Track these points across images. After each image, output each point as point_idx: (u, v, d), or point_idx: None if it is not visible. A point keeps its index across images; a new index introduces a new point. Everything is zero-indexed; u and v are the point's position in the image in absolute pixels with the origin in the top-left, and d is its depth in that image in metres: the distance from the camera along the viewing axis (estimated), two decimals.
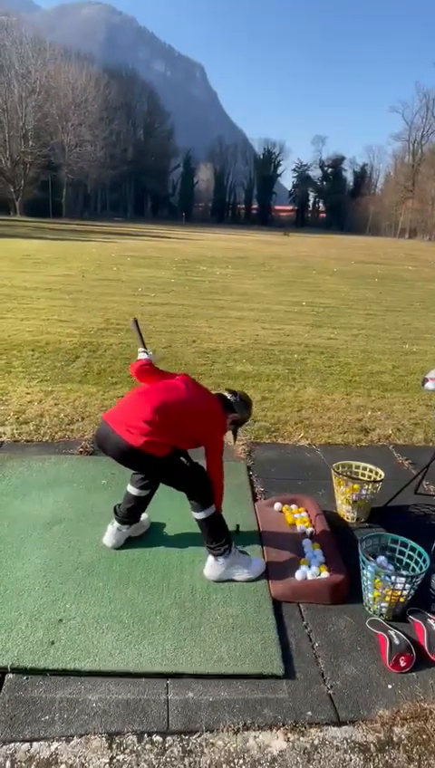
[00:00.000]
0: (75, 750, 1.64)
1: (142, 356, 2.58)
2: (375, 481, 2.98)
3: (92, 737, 1.68)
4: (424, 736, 1.75)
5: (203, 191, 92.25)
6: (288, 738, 1.72)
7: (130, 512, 2.57)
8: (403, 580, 2.18)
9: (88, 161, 55.41)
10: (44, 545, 2.57)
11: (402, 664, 2.01)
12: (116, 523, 2.58)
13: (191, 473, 2.36)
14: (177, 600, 2.27)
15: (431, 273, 20.12)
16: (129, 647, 2.00)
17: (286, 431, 4.21)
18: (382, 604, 2.24)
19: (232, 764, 1.63)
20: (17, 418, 4.09)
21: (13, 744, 1.64)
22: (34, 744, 1.65)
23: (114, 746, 1.66)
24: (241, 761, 1.64)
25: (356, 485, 2.91)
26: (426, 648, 2.09)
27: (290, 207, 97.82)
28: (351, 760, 1.66)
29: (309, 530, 2.79)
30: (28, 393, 4.65)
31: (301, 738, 1.72)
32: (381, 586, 2.21)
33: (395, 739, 1.74)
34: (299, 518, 2.89)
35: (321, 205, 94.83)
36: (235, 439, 2.64)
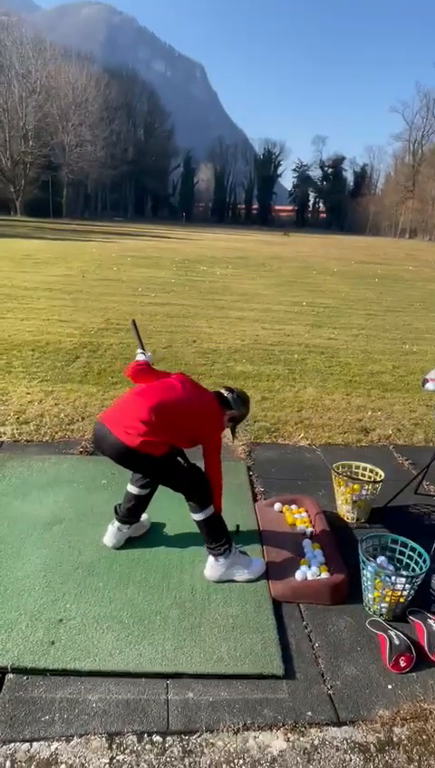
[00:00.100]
0: (75, 750, 1.64)
1: (140, 357, 2.58)
2: (375, 481, 2.98)
3: (92, 737, 1.68)
4: (424, 737, 1.75)
5: (203, 191, 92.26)
6: (288, 738, 1.72)
7: (130, 511, 2.57)
8: (403, 580, 2.18)
9: (88, 161, 55.40)
10: (45, 545, 2.57)
11: (402, 664, 2.01)
12: (117, 523, 2.58)
13: (189, 473, 2.36)
14: (177, 600, 2.27)
15: (432, 274, 20.12)
16: (129, 647, 2.00)
17: (286, 431, 4.21)
18: (382, 604, 2.24)
19: (232, 765, 1.63)
20: (17, 418, 4.09)
21: (13, 744, 1.64)
22: (34, 744, 1.65)
23: (114, 746, 1.66)
24: (241, 761, 1.64)
25: (356, 486, 2.91)
26: (426, 648, 2.09)
27: (290, 207, 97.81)
28: (351, 760, 1.66)
29: (309, 530, 2.79)
30: (28, 393, 4.66)
31: (301, 738, 1.72)
32: (382, 586, 2.21)
33: (395, 739, 1.74)
34: (299, 518, 2.89)
35: (321, 205, 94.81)
36: (234, 437, 2.63)
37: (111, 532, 2.58)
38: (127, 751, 1.65)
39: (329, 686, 1.92)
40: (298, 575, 2.41)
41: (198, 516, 2.37)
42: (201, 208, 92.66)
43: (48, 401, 4.49)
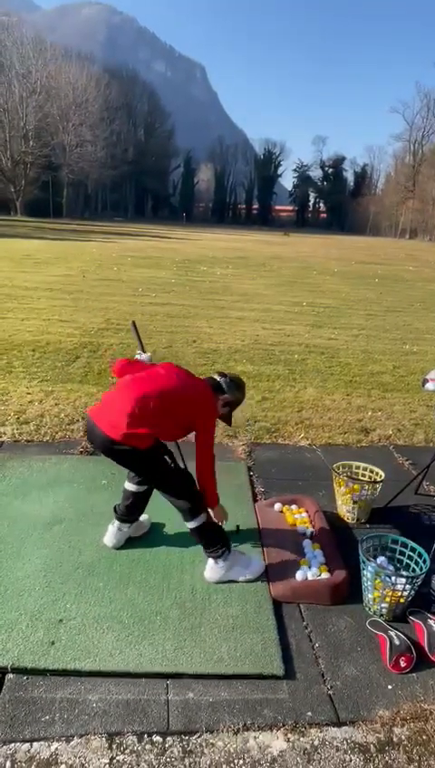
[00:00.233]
0: (75, 750, 1.64)
1: (140, 358, 2.58)
2: (375, 481, 2.98)
3: (92, 737, 1.68)
4: (424, 737, 1.75)
5: (203, 191, 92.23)
6: (288, 738, 1.72)
7: (128, 509, 2.56)
8: (404, 580, 2.18)
9: (88, 161, 55.38)
10: (45, 545, 2.57)
11: (402, 664, 2.01)
12: (117, 523, 2.58)
13: (177, 472, 2.34)
14: (177, 600, 2.27)
15: (432, 274, 20.11)
16: (129, 647, 2.00)
17: (287, 431, 4.21)
18: (383, 605, 2.24)
19: (232, 765, 1.63)
20: (18, 418, 4.09)
21: (13, 744, 1.64)
22: (35, 744, 1.65)
23: (114, 746, 1.66)
24: (241, 761, 1.64)
25: (356, 486, 2.91)
26: (426, 648, 2.09)
27: (290, 208, 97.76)
28: (351, 760, 1.66)
29: (309, 530, 2.79)
30: (29, 393, 4.66)
31: (301, 739, 1.72)
32: (382, 587, 2.21)
33: (395, 740, 1.74)
34: (299, 518, 2.89)
35: (321, 205, 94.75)
36: (230, 423, 2.56)
37: (112, 532, 2.58)
38: (127, 751, 1.65)
39: (329, 687, 1.92)
40: (298, 575, 2.41)
41: (192, 524, 2.36)
42: (201, 208, 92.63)
43: (48, 401, 4.49)
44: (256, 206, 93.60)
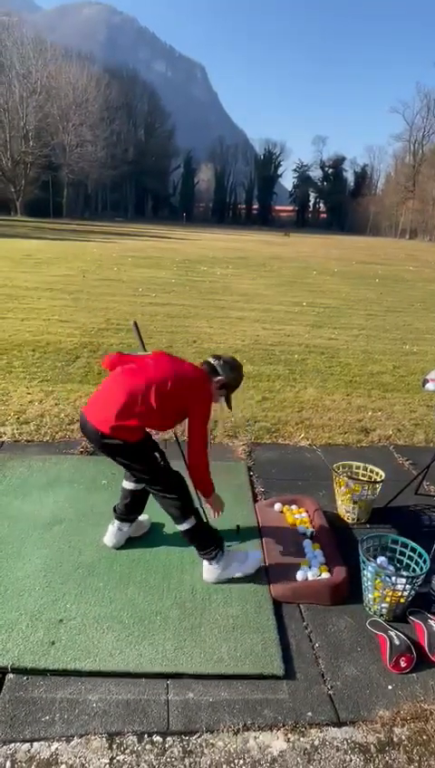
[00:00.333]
0: (75, 750, 1.64)
1: None
2: (376, 482, 2.98)
3: (93, 737, 1.68)
4: (424, 737, 1.75)
5: (204, 191, 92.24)
6: (288, 739, 1.72)
7: (127, 508, 2.56)
8: (404, 580, 2.18)
9: (89, 161, 55.39)
10: (45, 545, 2.57)
11: (403, 665, 2.01)
12: (117, 523, 2.57)
13: (168, 469, 2.33)
14: (177, 600, 2.27)
15: (432, 274, 20.11)
16: (129, 647, 2.00)
17: (287, 431, 4.21)
18: (383, 605, 2.24)
19: (232, 765, 1.63)
20: (18, 418, 4.09)
21: (13, 744, 1.64)
22: (35, 744, 1.65)
23: (114, 746, 1.66)
24: (241, 761, 1.64)
25: (357, 486, 2.91)
26: (426, 648, 2.09)
27: (291, 208, 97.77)
28: (351, 761, 1.66)
29: (309, 530, 2.79)
30: (29, 393, 4.66)
31: (301, 739, 1.72)
32: (382, 587, 2.21)
33: (395, 740, 1.74)
34: (299, 518, 2.89)
35: (321, 205, 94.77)
36: (229, 407, 2.54)
37: (112, 531, 2.58)
38: (127, 751, 1.65)
39: (329, 687, 1.92)
40: (299, 575, 2.41)
41: (183, 526, 2.36)
42: (202, 208, 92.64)
43: (48, 401, 4.49)
44: (256, 207, 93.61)
